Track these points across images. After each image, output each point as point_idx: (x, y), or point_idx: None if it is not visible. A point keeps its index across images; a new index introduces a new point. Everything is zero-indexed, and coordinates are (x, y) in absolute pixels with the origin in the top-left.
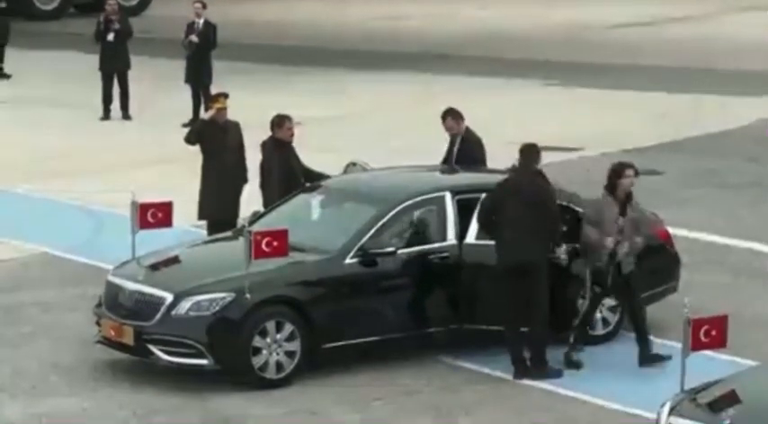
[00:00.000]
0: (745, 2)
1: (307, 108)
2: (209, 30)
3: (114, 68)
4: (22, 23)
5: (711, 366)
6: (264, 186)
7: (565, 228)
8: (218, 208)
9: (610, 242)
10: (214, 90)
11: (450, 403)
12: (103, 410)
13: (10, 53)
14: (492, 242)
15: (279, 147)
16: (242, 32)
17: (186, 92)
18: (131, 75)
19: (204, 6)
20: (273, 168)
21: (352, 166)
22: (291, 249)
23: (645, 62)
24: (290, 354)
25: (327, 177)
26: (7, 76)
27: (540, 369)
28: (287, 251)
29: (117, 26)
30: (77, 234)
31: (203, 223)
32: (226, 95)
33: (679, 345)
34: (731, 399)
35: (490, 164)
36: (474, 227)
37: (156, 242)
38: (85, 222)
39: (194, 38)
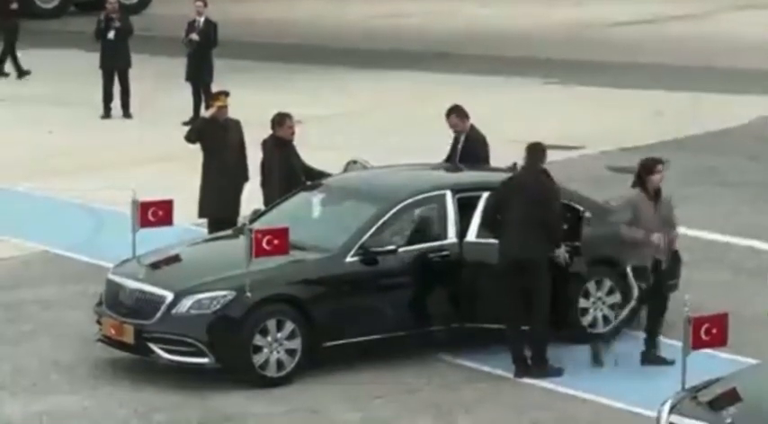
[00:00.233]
0: (744, 0)
1: (307, 106)
2: (210, 29)
3: (115, 66)
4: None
5: (712, 364)
6: (265, 184)
7: (565, 226)
8: (218, 207)
9: (657, 238)
10: (215, 88)
11: (450, 401)
12: (104, 408)
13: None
14: (493, 241)
15: (280, 146)
16: (243, 30)
17: (187, 91)
18: (132, 73)
19: (205, 4)
20: (274, 166)
21: (352, 164)
22: (292, 247)
23: (645, 60)
24: (290, 352)
25: (328, 175)
26: (5, 75)
27: (540, 368)
28: (288, 250)
29: (118, 24)
30: (78, 233)
31: (204, 221)
32: (226, 93)
33: (680, 343)
34: (732, 397)
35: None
36: (475, 225)
37: (156, 240)
38: (86, 220)
39: (195, 36)
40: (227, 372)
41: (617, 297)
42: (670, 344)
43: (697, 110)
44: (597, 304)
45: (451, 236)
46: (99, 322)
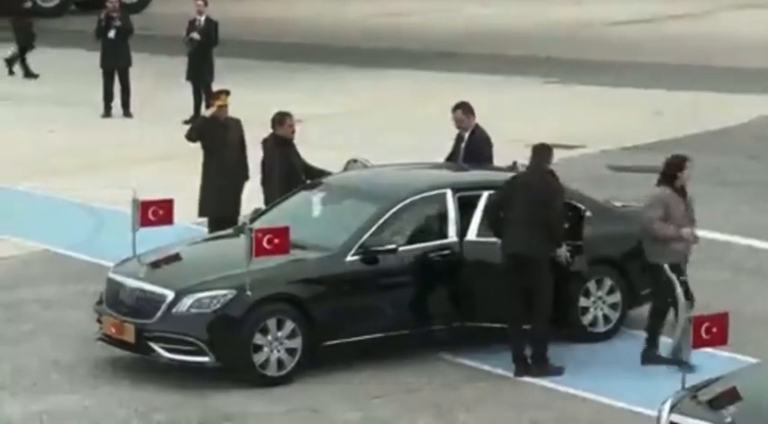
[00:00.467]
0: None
1: (308, 105)
2: (211, 28)
3: (115, 65)
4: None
5: (712, 363)
6: (265, 183)
7: (566, 225)
8: (219, 206)
9: (688, 233)
10: (215, 87)
11: (450, 401)
12: (104, 407)
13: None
14: (493, 240)
15: (280, 145)
16: (243, 29)
17: (187, 90)
18: (132, 72)
19: (206, 3)
20: (274, 165)
21: (353, 163)
22: (292, 246)
23: (645, 59)
24: (291, 351)
25: (328, 174)
26: (12, 74)
27: (540, 367)
28: (288, 249)
29: (118, 23)
30: (78, 232)
31: (204, 220)
32: (227, 92)
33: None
34: (732, 396)
35: None
36: (475, 225)
37: (156, 239)
38: (86, 219)
39: (196, 35)
40: (227, 371)
41: (617, 297)
42: (670, 343)
43: (697, 110)
44: (598, 304)
45: (452, 235)
46: (99, 321)
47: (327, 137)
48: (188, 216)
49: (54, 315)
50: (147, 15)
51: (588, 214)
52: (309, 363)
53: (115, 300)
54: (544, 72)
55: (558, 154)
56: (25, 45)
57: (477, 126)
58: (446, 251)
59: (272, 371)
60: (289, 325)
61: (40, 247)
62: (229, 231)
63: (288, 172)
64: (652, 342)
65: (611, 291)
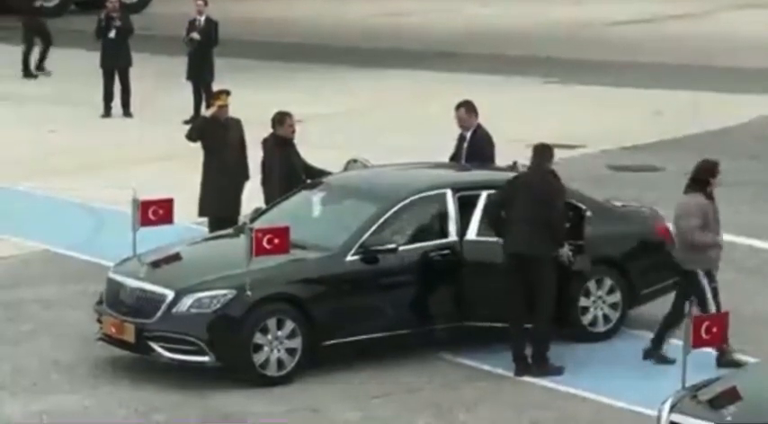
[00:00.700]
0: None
1: (308, 105)
2: (211, 28)
3: (115, 65)
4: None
5: (712, 362)
6: (265, 183)
7: (568, 224)
8: (219, 206)
9: (721, 240)
10: (215, 87)
11: (450, 400)
12: (104, 407)
13: (11, 50)
14: (493, 239)
15: (280, 144)
16: (243, 29)
17: (187, 90)
18: (133, 72)
19: (206, 3)
20: (275, 165)
21: (353, 163)
22: (293, 246)
23: (645, 59)
24: (291, 351)
25: (328, 174)
26: (37, 74)
27: (541, 366)
28: (288, 249)
29: (118, 23)
30: (78, 232)
31: (204, 220)
32: (227, 92)
33: (680, 342)
34: (732, 396)
35: None
36: (475, 224)
37: (157, 239)
38: (86, 219)
39: (196, 35)
40: (227, 371)
41: (617, 296)
42: (670, 343)
43: (697, 110)
44: (597, 303)
45: (452, 235)
46: (99, 321)
47: (327, 137)
48: (188, 215)
49: (54, 315)
50: (147, 15)
51: (588, 214)
52: (309, 363)
53: (115, 300)
54: (544, 72)
55: (558, 154)
56: (32, 45)
57: (479, 125)
58: (446, 251)
59: (272, 371)
60: (289, 325)
61: (40, 247)
62: (229, 231)
63: (288, 171)
64: (658, 342)
65: (611, 291)
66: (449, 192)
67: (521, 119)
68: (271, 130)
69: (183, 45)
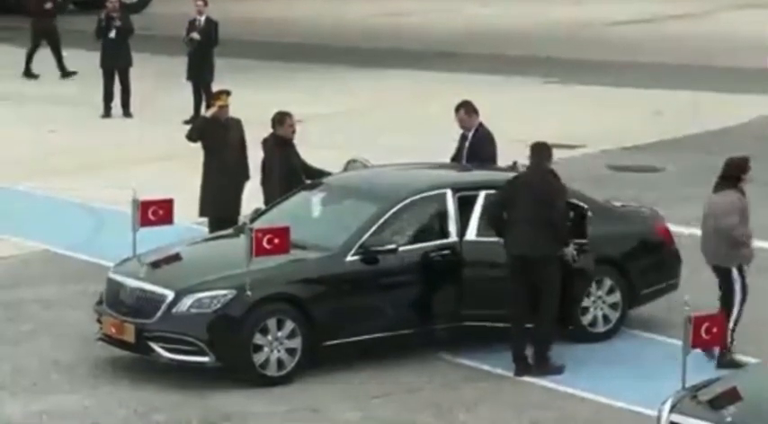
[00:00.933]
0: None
1: (308, 105)
2: (211, 28)
3: (115, 65)
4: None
5: (712, 363)
6: (265, 183)
7: (569, 224)
8: (219, 206)
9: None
10: (215, 87)
11: (450, 400)
12: (104, 407)
13: (12, 50)
14: (493, 239)
15: (280, 145)
16: (243, 29)
17: (187, 90)
18: (133, 72)
19: (206, 3)
20: (275, 165)
21: (353, 163)
22: (293, 246)
23: (644, 59)
24: (290, 351)
25: (328, 174)
26: (73, 73)
27: (542, 366)
28: (288, 249)
29: (118, 23)
30: (78, 232)
31: (204, 220)
32: (228, 92)
33: (680, 342)
34: (732, 396)
35: None
36: (474, 224)
37: (157, 239)
38: (86, 219)
39: (196, 35)
40: (227, 371)
41: (617, 297)
42: (670, 343)
43: (697, 110)
44: (597, 304)
45: (452, 235)
46: (99, 321)
47: (327, 137)
48: (188, 216)
49: (54, 315)
50: (147, 15)
51: (589, 214)
52: (309, 363)
53: (115, 300)
54: (544, 72)
55: (558, 154)
56: (38, 46)
57: (480, 124)
58: (446, 251)
59: (272, 371)
60: (289, 325)
61: (40, 247)
62: (229, 231)
63: (288, 172)
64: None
65: (610, 291)
66: (449, 192)
67: (521, 120)
68: (271, 130)
69: (183, 45)
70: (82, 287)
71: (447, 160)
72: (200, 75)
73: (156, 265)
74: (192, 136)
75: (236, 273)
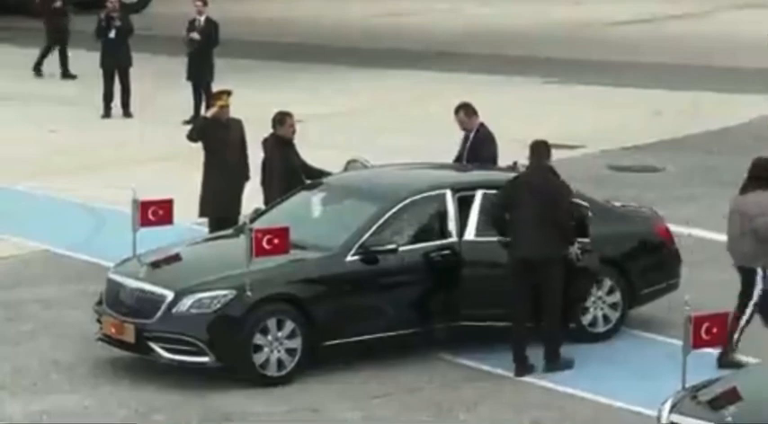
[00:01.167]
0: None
1: (308, 105)
2: (211, 28)
3: (115, 65)
4: (22, 20)
5: (712, 363)
6: (266, 183)
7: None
8: (219, 206)
9: None
10: (215, 87)
11: (450, 400)
12: (104, 407)
13: (11, 50)
14: (492, 239)
15: (280, 145)
16: (243, 29)
17: (187, 90)
18: (133, 72)
19: (205, 3)
20: (275, 165)
21: (353, 163)
22: (293, 246)
23: (644, 59)
24: (290, 351)
25: (328, 174)
26: (73, 76)
27: (553, 363)
28: (288, 249)
29: (118, 23)
30: (78, 232)
31: (204, 220)
32: (229, 92)
33: (680, 342)
34: (732, 396)
35: None
36: (473, 224)
37: (157, 239)
38: (86, 219)
39: (196, 35)
40: (227, 371)
41: (617, 297)
42: (670, 343)
43: (697, 110)
44: (597, 304)
45: (452, 235)
46: (99, 321)
47: (327, 137)
48: (188, 216)
49: (54, 315)
50: (147, 15)
51: (590, 213)
52: (309, 363)
53: (115, 300)
54: (544, 72)
55: (558, 154)
56: (52, 45)
57: (481, 124)
58: (446, 251)
59: (272, 371)
60: (289, 325)
61: (40, 247)
62: (229, 231)
63: (288, 172)
64: (730, 345)
65: (610, 291)
66: (449, 192)
67: (521, 120)
68: (271, 130)
69: (183, 45)
70: (82, 287)
71: (449, 160)
72: (200, 75)
73: (155, 265)
74: (192, 136)
75: (237, 273)
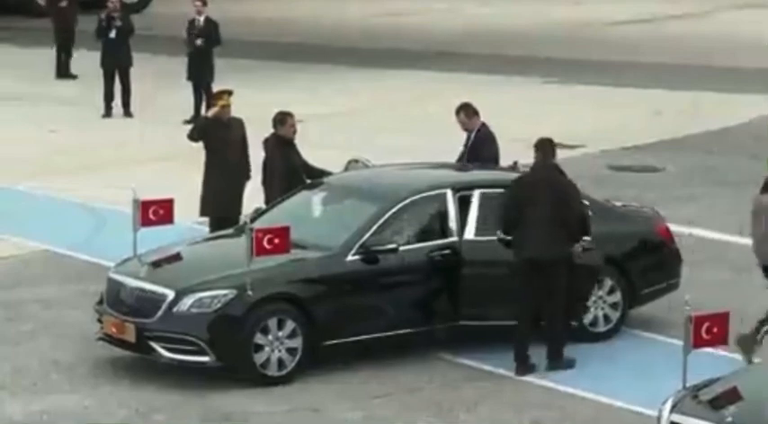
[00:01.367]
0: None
1: (308, 105)
2: (211, 28)
3: (116, 65)
4: (21, 20)
5: (713, 363)
6: (266, 183)
7: None
8: (220, 206)
9: None
10: (216, 87)
11: (451, 400)
12: (104, 407)
13: (12, 50)
14: (492, 238)
15: (281, 144)
16: (243, 29)
17: (188, 90)
18: (133, 72)
19: (205, 3)
20: (275, 165)
21: (353, 163)
22: (293, 246)
23: (644, 59)
24: (291, 351)
25: (329, 174)
26: (73, 76)
27: (556, 361)
28: (289, 249)
29: (119, 23)
30: (79, 232)
31: (205, 220)
32: (230, 92)
33: (680, 342)
34: (733, 396)
35: None
36: (473, 223)
37: (157, 239)
38: (87, 219)
39: (199, 42)
40: (227, 371)
41: (617, 296)
42: (671, 343)
43: (697, 110)
44: (598, 303)
45: (452, 235)
46: (100, 321)
47: (328, 137)
48: (189, 215)
49: (54, 315)
50: (148, 15)
51: (590, 212)
52: (310, 363)
53: (116, 300)
54: (544, 72)
55: (558, 154)
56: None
57: (483, 124)
58: (447, 251)
59: (272, 371)
60: (289, 325)
61: (40, 247)
62: (230, 231)
63: (289, 171)
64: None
65: (611, 291)
66: (449, 192)
67: (520, 120)
68: (272, 130)
69: (183, 45)
70: (82, 286)
71: (449, 160)
72: (200, 75)
73: (156, 265)
74: (193, 136)
75: (237, 273)
